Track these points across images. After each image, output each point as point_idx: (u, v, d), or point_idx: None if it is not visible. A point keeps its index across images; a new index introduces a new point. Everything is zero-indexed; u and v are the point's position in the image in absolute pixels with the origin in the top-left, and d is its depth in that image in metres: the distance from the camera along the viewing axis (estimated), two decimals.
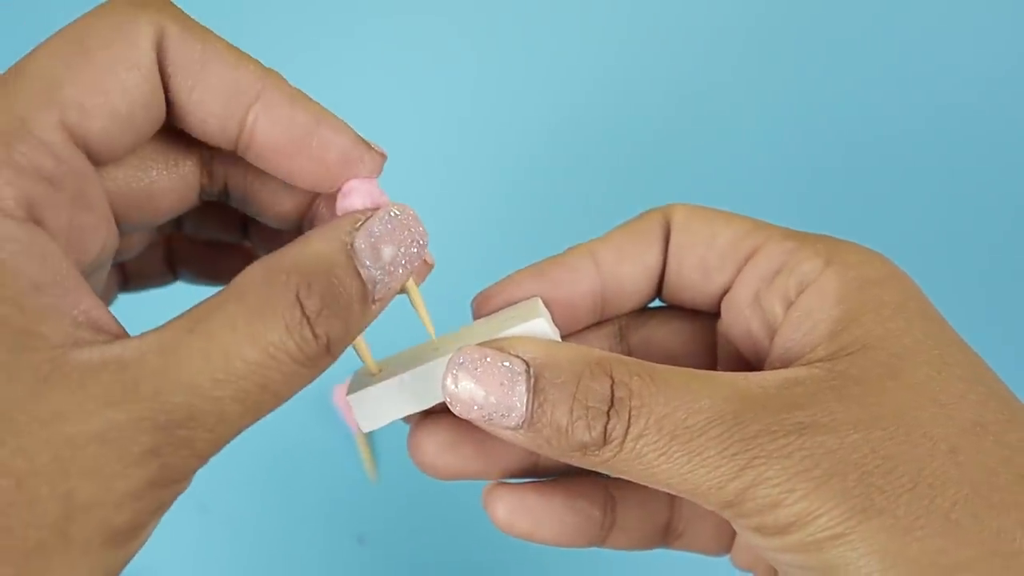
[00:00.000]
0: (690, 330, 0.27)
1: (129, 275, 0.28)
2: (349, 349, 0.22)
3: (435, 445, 0.25)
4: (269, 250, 0.27)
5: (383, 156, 0.23)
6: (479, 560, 0.49)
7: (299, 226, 0.25)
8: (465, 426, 0.24)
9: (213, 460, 0.19)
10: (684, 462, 0.20)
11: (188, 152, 0.23)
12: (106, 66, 0.19)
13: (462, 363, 0.21)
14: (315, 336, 0.19)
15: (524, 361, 0.21)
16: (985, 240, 0.52)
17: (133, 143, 0.21)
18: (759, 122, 0.54)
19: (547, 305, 0.25)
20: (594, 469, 0.21)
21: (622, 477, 0.21)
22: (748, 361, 0.25)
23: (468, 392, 0.21)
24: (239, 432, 0.19)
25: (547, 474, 0.27)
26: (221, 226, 0.27)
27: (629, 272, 0.25)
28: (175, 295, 0.30)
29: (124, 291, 0.28)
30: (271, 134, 0.21)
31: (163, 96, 0.20)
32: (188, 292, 0.30)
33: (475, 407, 0.21)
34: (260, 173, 0.24)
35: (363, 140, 0.22)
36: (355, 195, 0.22)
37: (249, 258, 0.29)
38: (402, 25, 0.57)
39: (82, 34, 0.19)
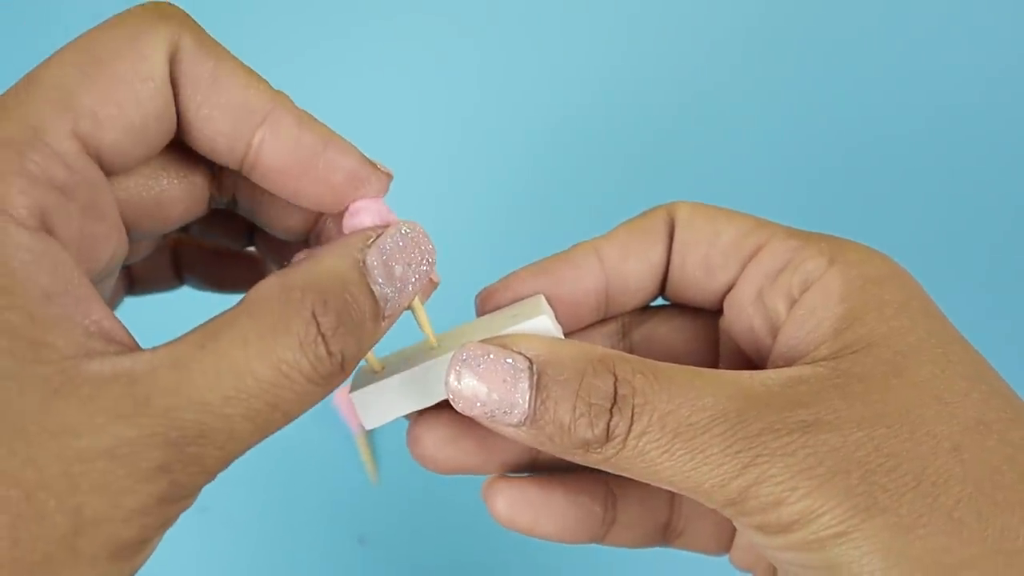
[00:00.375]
0: (692, 328, 0.27)
1: (135, 279, 0.28)
2: None
3: (435, 439, 0.25)
4: (275, 258, 0.27)
5: (389, 176, 0.23)
6: (479, 561, 0.49)
7: (306, 239, 0.25)
8: (465, 420, 0.24)
9: None
10: (687, 460, 0.20)
11: (198, 163, 0.23)
12: (120, 77, 0.19)
13: (465, 359, 0.21)
14: (330, 354, 0.19)
15: (527, 358, 0.21)
16: (988, 239, 0.52)
17: (144, 155, 0.21)
18: (762, 121, 0.54)
19: (551, 302, 0.25)
20: (597, 467, 0.21)
21: (625, 475, 0.21)
22: (750, 359, 0.25)
23: (471, 389, 0.21)
24: (249, 449, 0.19)
25: (546, 469, 0.27)
26: (228, 233, 0.27)
27: (634, 269, 0.25)
28: (181, 300, 0.30)
29: (130, 295, 0.28)
30: (277, 155, 0.21)
31: (175, 110, 0.20)
32: (194, 297, 0.30)
33: (478, 404, 0.21)
34: None
35: (369, 161, 0.22)
36: (364, 214, 0.22)
37: (257, 267, 0.29)
38: (407, 24, 0.57)
39: (97, 44, 0.19)
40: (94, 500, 0.17)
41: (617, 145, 0.55)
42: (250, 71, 0.21)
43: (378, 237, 0.21)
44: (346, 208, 0.22)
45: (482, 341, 0.22)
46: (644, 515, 0.26)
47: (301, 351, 0.19)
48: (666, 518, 0.27)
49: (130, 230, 0.22)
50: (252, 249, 0.29)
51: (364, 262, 0.21)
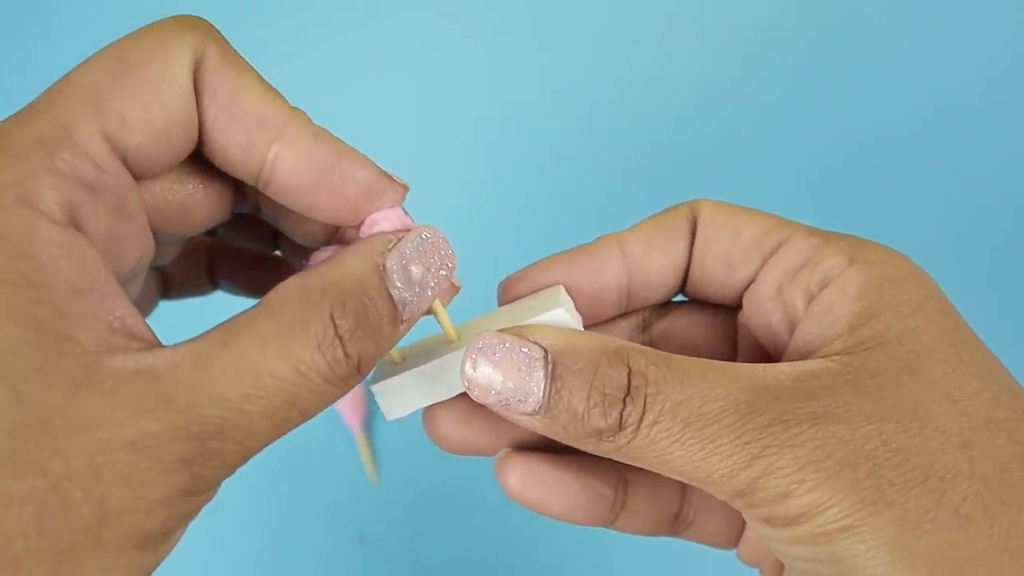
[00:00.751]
0: (711, 323, 0.27)
1: (171, 283, 0.29)
2: None
3: (450, 419, 0.25)
4: (299, 261, 0.27)
5: (405, 188, 0.23)
6: (480, 561, 0.49)
7: (328, 243, 0.25)
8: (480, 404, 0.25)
9: None
10: (697, 449, 0.20)
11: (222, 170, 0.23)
12: (147, 79, 0.20)
13: (481, 348, 0.22)
14: (347, 356, 0.20)
15: (542, 348, 0.21)
16: (999, 238, 0.51)
17: (169, 161, 0.21)
18: (776, 121, 0.54)
19: (572, 294, 0.25)
20: (609, 456, 0.21)
21: (636, 464, 0.21)
22: (768, 353, 0.25)
23: (486, 377, 0.21)
24: (267, 445, 0.20)
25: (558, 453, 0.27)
26: (253, 236, 0.28)
27: (657, 264, 0.25)
28: (200, 302, 0.30)
29: (165, 298, 0.29)
30: (292, 169, 0.21)
31: (197, 118, 0.21)
32: (214, 299, 0.31)
33: (492, 391, 0.21)
34: None
35: (385, 173, 0.22)
36: (384, 223, 0.22)
37: (290, 273, 0.30)
38: (412, 22, 0.58)
39: (127, 50, 0.20)
40: (118, 491, 0.17)
41: (633, 146, 0.55)
42: (269, 86, 0.21)
43: (398, 241, 0.22)
44: (362, 221, 0.22)
45: (498, 331, 0.22)
46: (654, 503, 0.27)
47: (319, 352, 0.19)
48: (676, 508, 0.27)
49: (156, 233, 0.22)
50: (278, 253, 0.29)
51: (384, 266, 0.21)
